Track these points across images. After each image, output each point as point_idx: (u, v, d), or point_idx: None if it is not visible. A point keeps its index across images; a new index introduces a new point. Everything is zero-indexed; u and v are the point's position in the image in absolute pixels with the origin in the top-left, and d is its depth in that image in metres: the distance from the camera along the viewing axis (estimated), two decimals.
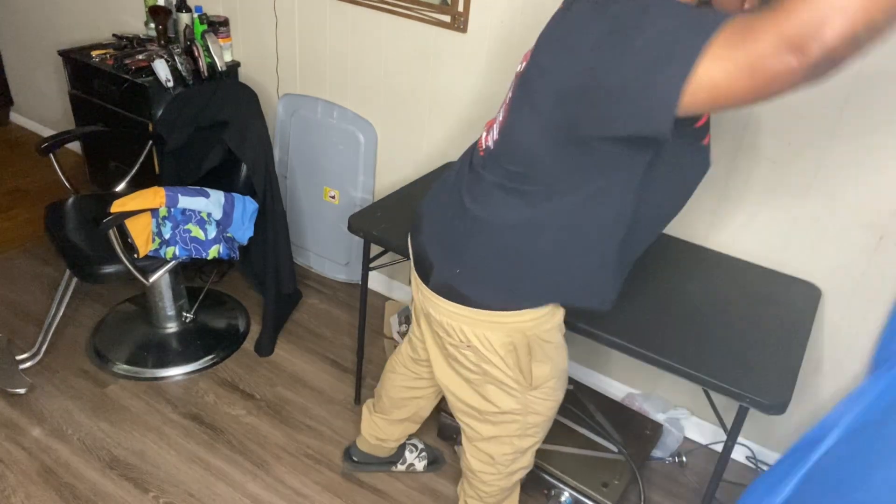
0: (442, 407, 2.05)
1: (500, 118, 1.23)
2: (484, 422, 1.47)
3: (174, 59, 2.42)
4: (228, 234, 2.13)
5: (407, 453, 2.00)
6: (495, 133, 1.24)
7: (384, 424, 1.86)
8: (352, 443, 1.98)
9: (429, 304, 1.37)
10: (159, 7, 2.61)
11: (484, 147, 1.27)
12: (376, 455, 1.94)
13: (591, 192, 1.16)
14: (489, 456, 1.53)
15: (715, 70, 0.84)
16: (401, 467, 2.00)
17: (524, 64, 1.18)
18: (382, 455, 1.95)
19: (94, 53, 2.62)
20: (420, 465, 2.01)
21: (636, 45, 0.93)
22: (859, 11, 0.74)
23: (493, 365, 1.35)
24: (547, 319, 1.33)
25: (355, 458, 1.96)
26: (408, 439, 2.01)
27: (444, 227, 1.32)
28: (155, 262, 2.05)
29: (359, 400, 2.23)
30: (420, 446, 2.03)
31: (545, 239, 1.21)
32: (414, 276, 1.41)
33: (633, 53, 0.93)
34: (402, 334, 2.32)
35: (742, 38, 0.81)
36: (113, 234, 1.91)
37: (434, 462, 2.03)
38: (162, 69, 2.37)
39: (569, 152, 1.11)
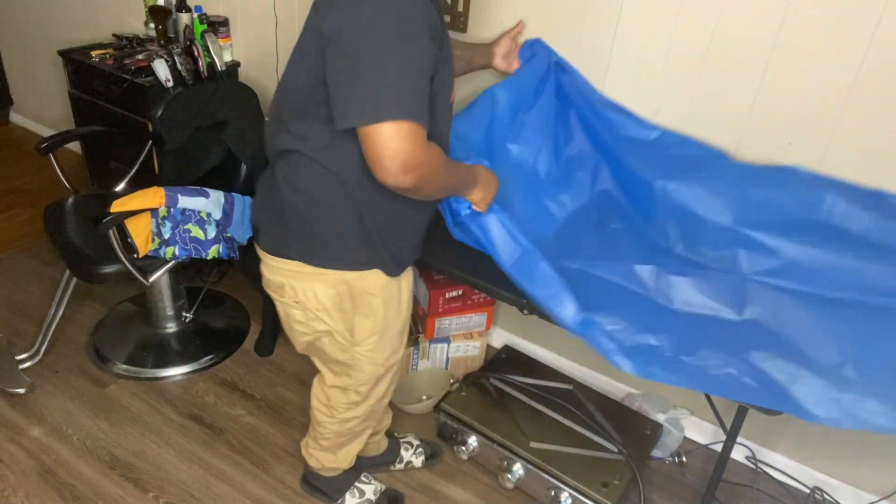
0: (441, 407, 2.05)
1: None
2: (328, 371, 1.61)
3: (174, 59, 2.42)
4: (228, 234, 2.13)
5: (403, 452, 2.00)
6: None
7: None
8: None
9: (263, 267, 1.47)
10: (159, 7, 2.61)
11: (269, 117, 1.40)
12: (369, 455, 1.94)
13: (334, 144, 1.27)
14: (327, 397, 1.66)
15: (382, 132, 1.11)
16: (399, 466, 2.00)
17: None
18: (375, 453, 1.95)
19: (93, 53, 2.62)
20: (418, 461, 2.01)
21: (383, 60, 1.11)
22: (426, 180, 1.17)
23: (320, 321, 1.45)
24: (372, 278, 1.42)
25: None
26: (402, 437, 2.03)
27: (264, 194, 1.43)
28: (154, 261, 2.05)
29: None
30: (416, 443, 2.04)
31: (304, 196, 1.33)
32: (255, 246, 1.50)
33: (373, 65, 1.11)
34: None
35: (404, 132, 1.11)
36: (112, 234, 1.91)
37: (432, 457, 2.03)
38: (162, 69, 2.37)
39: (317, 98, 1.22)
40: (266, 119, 2.35)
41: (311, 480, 1.88)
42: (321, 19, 1.17)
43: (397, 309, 1.52)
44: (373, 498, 1.86)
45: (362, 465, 1.96)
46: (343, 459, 1.79)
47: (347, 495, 1.85)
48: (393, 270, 1.43)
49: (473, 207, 1.50)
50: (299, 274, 1.39)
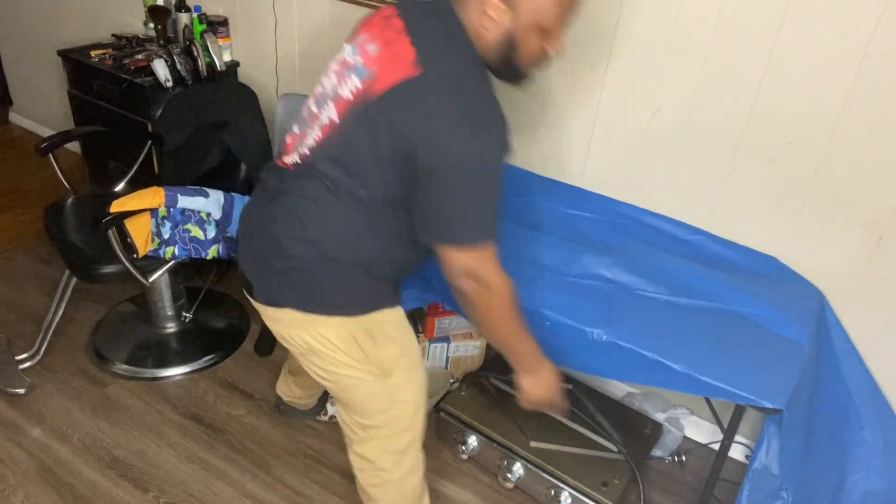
0: (441, 407, 2.05)
1: (317, 135, 1.29)
2: (356, 424, 1.48)
3: (173, 59, 2.42)
4: (228, 234, 2.13)
5: (329, 405, 2.10)
6: (306, 149, 1.30)
7: (296, 389, 2.00)
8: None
9: (264, 318, 1.42)
10: (158, 7, 2.61)
11: (292, 162, 1.33)
12: (300, 409, 2.09)
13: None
14: (369, 461, 1.52)
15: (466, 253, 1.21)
16: (323, 418, 2.11)
17: (363, 94, 1.22)
18: (305, 408, 2.09)
19: (93, 53, 2.62)
20: None
21: (462, 188, 1.17)
22: (486, 299, 1.26)
23: (339, 363, 1.36)
24: (379, 311, 1.39)
25: (281, 407, 2.10)
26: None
27: (256, 243, 1.38)
28: (154, 261, 2.05)
29: None
30: None
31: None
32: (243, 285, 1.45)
33: (459, 191, 1.18)
34: None
35: (487, 252, 1.22)
36: (112, 234, 1.91)
37: None
38: (161, 69, 2.37)
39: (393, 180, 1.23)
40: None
41: None
42: (403, 117, 1.16)
43: (408, 332, 1.47)
44: None
45: (286, 410, 2.09)
46: None
47: None
48: (396, 302, 1.43)
49: (519, 394, 1.47)
50: (305, 322, 1.33)
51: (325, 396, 2.10)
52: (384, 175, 1.21)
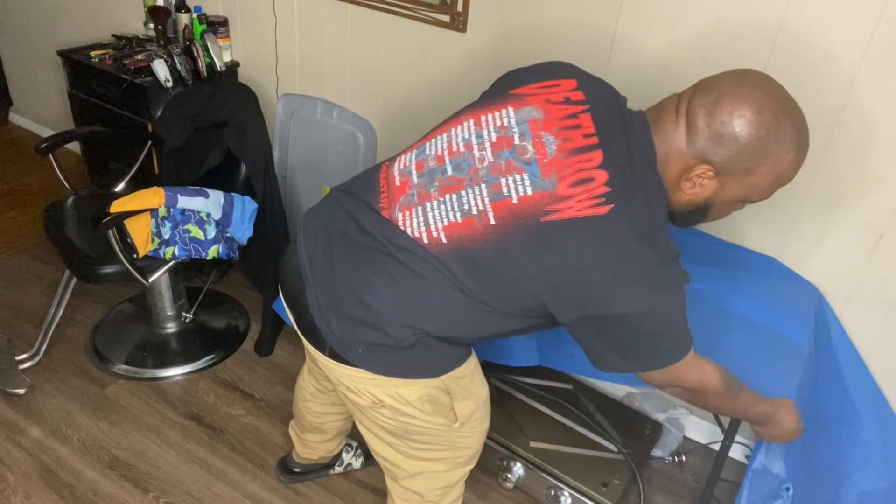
0: None
1: (455, 220, 1.10)
2: (410, 458, 1.40)
3: (173, 60, 2.42)
4: (228, 234, 2.13)
5: (343, 454, 1.95)
6: (439, 231, 1.11)
7: (318, 444, 1.83)
8: (289, 454, 1.93)
9: (323, 368, 1.30)
10: (158, 7, 2.61)
11: (413, 234, 1.13)
12: (321, 461, 1.91)
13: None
14: (417, 494, 1.46)
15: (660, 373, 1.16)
16: (339, 469, 1.96)
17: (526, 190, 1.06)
18: (325, 460, 1.92)
19: (93, 54, 2.62)
20: (357, 462, 1.97)
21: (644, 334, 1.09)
22: (697, 393, 1.22)
23: (412, 417, 1.28)
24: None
25: (296, 470, 1.92)
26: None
27: (342, 301, 1.19)
28: (154, 262, 2.05)
29: None
30: (355, 444, 1.98)
31: (451, 337, 1.23)
32: (298, 330, 1.32)
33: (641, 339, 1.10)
34: None
35: (682, 366, 1.15)
36: (112, 235, 1.91)
37: (370, 457, 1.98)
38: (161, 69, 2.37)
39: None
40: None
41: None
42: (581, 258, 1.04)
43: (481, 380, 1.41)
44: None
45: (303, 471, 1.92)
46: None
47: None
48: (470, 352, 1.35)
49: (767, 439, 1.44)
50: (382, 382, 1.23)
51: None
52: (529, 300, 1.10)
